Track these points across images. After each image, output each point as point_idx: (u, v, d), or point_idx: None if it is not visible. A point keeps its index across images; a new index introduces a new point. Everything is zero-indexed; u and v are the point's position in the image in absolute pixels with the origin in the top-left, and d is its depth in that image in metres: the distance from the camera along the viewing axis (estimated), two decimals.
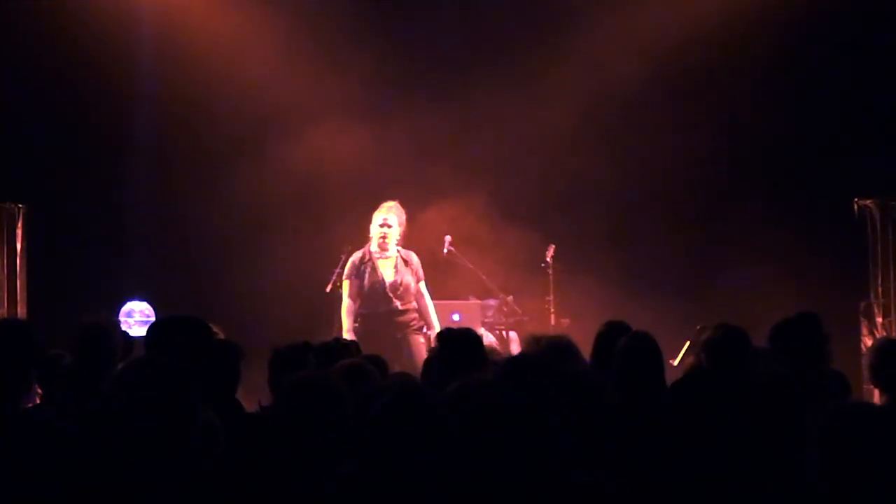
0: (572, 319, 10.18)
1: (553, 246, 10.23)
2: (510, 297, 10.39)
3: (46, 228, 10.86)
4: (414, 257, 9.42)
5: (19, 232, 10.65)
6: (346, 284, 9.32)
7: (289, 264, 10.86)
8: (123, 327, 10.55)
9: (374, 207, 9.90)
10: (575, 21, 10.86)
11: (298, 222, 11.08)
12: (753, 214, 10.77)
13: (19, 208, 10.67)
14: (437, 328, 9.21)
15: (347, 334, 8.95)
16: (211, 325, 5.06)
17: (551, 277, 10.19)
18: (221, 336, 5.24)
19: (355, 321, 9.30)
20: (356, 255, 9.38)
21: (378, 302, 9.25)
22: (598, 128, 10.97)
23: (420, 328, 9.34)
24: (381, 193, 10.12)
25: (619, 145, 11.09)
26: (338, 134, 10.91)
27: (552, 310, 10.20)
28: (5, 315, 10.16)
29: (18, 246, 10.64)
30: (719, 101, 10.84)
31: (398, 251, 9.37)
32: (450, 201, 10.70)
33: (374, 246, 9.34)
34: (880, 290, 10.58)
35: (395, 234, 9.35)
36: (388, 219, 9.33)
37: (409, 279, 9.31)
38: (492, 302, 10.43)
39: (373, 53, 10.84)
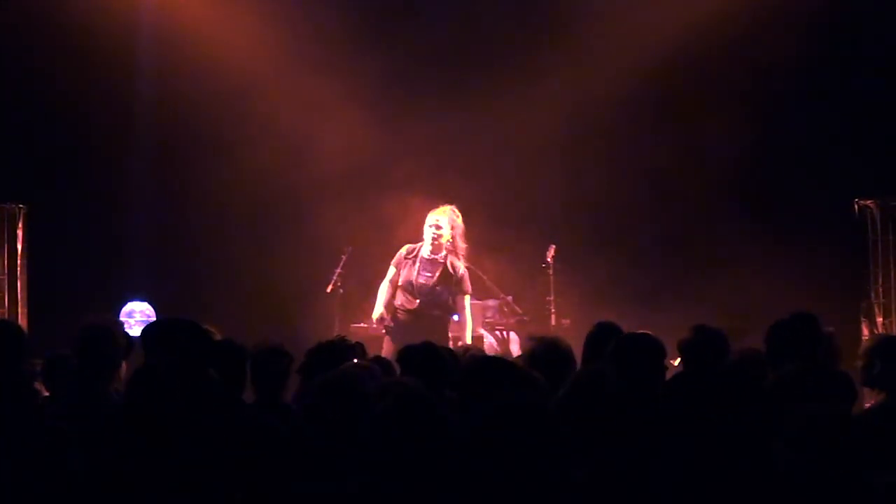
0: (573, 320, 10.18)
1: (553, 246, 10.21)
2: (510, 298, 10.38)
3: (46, 228, 10.85)
4: (461, 270, 9.30)
5: (19, 232, 10.64)
6: (390, 270, 9.29)
7: (289, 264, 10.86)
8: (124, 327, 10.63)
9: (374, 207, 9.88)
10: (575, 26, 10.85)
11: (299, 223, 11.07)
12: (754, 214, 10.77)
13: (19, 208, 10.66)
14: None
15: (375, 315, 9.16)
16: (208, 326, 5.06)
17: (552, 278, 10.17)
18: (218, 336, 5.24)
19: (386, 310, 9.25)
20: (410, 246, 9.34)
21: (406, 298, 9.24)
22: (599, 128, 10.97)
23: (441, 338, 9.17)
24: (382, 193, 10.13)
25: (620, 145, 11.10)
26: (337, 134, 10.91)
27: (552, 310, 10.18)
28: (6, 315, 10.16)
29: (19, 246, 10.64)
30: (719, 102, 10.82)
31: (450, 260, 9.27)
32: (449, 202, 10.68)
33: (425, 246, 9.28)
34: (880, 290, 10.58)
35: (446, 236, 9.28)
36: (439, 220, 9.27)
37: (443, 289, 9.23)
38: (492, 302, 10.42)
39: (373, 54, 10.84)
